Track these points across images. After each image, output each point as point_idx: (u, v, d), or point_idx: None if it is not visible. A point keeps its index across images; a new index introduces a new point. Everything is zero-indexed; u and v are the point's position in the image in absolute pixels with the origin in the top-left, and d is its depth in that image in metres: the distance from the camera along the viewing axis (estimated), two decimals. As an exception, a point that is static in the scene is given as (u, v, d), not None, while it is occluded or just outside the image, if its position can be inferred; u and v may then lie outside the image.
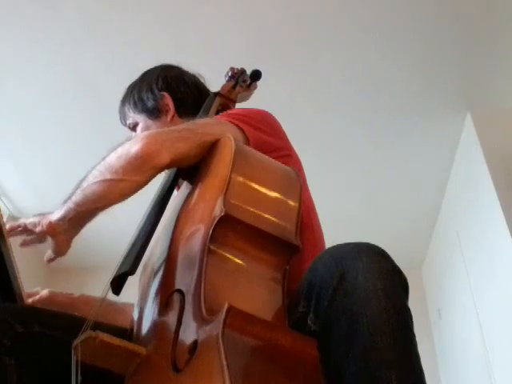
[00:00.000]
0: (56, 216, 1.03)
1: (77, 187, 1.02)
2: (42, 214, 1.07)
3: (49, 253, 1.08)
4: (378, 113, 2.88)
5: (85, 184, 1.01)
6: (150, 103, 1.38)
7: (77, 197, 1.01)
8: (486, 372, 2.66)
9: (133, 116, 1.40)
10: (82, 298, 1.31)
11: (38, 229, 1.06)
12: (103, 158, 1.02)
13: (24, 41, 2.55)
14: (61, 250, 1.06)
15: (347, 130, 2.98)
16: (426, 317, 3.64)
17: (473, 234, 2.91)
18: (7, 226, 1.11)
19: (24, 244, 1.12)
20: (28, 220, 1.09)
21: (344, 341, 0.74)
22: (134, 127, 1.40)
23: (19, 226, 1.11)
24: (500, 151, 2.71)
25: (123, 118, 1.43)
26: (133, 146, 0.98)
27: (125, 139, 1.03)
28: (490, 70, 2.66)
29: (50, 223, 1.03)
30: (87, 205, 1.01)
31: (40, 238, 1.09)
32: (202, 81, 1.48)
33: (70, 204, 1.01)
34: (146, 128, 1.37)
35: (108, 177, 0.98)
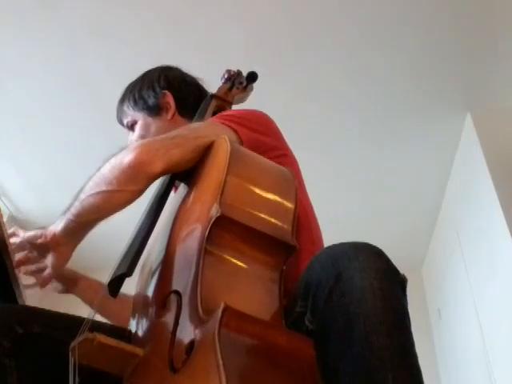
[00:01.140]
0: (58, 228, 1.03)
1: (75, 199, 1.03)
2: (43, 228, 1.07)
3: (54, 286, 1.08)
4: (378, 113, 2.88)
5: (82, 196, 1.01)
6: (151, 101, 1.39)
7: (76, 209, 1.01)
8: (486, 372, 2.66)
9: (132, 114, 1.40)
10: (85, 280, 1.31)
11: (40, 240, 1.05)
12: (98, 169, 1.03)
13: (24, 41, 2.56)
14: (61, 262, 1.07)
15: (347, 130, 2.97)
16: (426, 317, 3.63)
17: (473, 234, 2.90)
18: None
19: (19, 263, 1.11)
20: (28, 233, 1.09)
21: (341, 340, 0.74)
22: (132, 126, 1.41)
23: (21, 243, 1.10)
24: (500, 151, 2.70)
25: (121, 116, 1.43)
26: (125, 156, 0.98)
27: (118, 149, 1.03)
28: (490, 69, 2.66)
29: (55, 235, 1.03)
30: (86, 216, 1.02)
31: (40, 251, 1.08)
32: (201, 83, 1.49)
33: (69, 216, 1.02)
34: (146, 125, 1.38)
35: (103, 188, 0.99)
